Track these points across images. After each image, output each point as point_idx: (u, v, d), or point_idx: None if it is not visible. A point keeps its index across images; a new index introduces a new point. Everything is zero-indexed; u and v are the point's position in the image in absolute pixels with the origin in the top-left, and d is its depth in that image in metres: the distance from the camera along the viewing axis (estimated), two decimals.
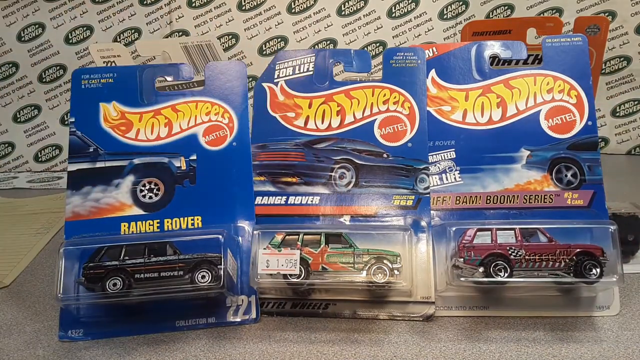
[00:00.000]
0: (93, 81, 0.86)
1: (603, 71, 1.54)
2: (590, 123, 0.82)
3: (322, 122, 0.86)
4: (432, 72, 0.86)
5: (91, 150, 0.83)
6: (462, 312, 0.77)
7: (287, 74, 0.89)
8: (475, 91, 0.85)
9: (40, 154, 1.62)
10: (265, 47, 1.56)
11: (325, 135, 0.86)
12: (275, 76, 0.89)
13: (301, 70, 0.89)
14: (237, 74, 0.87)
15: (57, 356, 0.72)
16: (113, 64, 0.98)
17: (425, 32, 1.53)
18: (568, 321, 0.75)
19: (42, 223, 1.20)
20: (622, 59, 1.54)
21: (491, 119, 0.84)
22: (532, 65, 0.88)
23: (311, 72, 0.88)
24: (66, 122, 0.84)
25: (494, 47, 0.86)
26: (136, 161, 0.84)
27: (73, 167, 0.83)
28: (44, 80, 1.60)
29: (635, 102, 1.56)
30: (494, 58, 0.88)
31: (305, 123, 0.87)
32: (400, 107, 0.85)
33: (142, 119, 0.85)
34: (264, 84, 0.89)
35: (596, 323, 0.74)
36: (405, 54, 0.87)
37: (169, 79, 0.87)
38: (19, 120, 1.61)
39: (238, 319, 0.77)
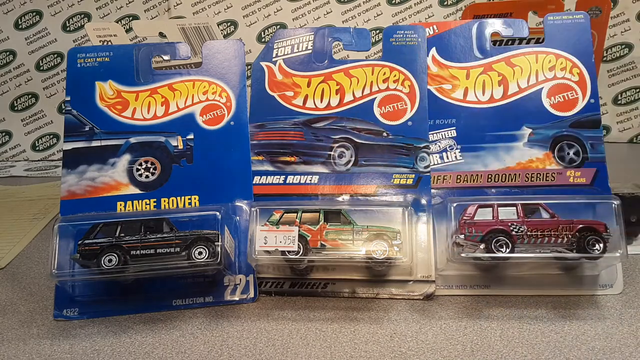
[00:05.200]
0: (89, 60, 0.85)
1: (604, 59, 1.53)
2: (592, 101, 0.81)
3: (321, 101, 0.85)
4: (433, 50, 0.85)
5: (87, 129, 0.82)
6: (462, 290, 0.76)
7: (286, 53, 0.88)
8: (477, 69, 0.84)
9: (38, 142, 1.61)
10: (264, 34, 1.55)
11: (324, 114, 0.85)
12: (274, 55, 0.88)
13: (300, 49, 0.87)
14: (234, 53, 0.86)
15: (51, 335, 0.71)
16: (109, 44, 0.96)
17: (426, 18, 1.51)
18: (571, 299, 0.74)
19: (39, 209, 1.19)
20: (623, 46, 1.53)
21: (492, 97, 0.83)
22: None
23: (310, 51, 0.87)
24: (64, 111, 0.83)
25: (495, 25, 0.85)
26: (132, 140, 0.82)
27: (68, 146, 0.82)
28: (42, 68, 1.58)
29: (637, 90, 1.55)
30: (496, 42, 0.87)
31: (304, 102, 0.85)
32: (400, 86, 0.84)
33: (139, 97, 0.84)
34: (262, 63, 0.88)
35: (599, 301, 0.73)
36: (406, 32, 0.86)
37: (165, 57, 0.86)
38: (16, 108, 1.60)
39: (236, 298, 0.76)
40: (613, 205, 0.72)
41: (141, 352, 0.67)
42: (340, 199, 0.81)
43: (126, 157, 0.82)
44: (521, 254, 0.71)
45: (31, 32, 1.57)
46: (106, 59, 0.85)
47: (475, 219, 0.73)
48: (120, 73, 0.84)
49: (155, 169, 0.81)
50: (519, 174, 0.80)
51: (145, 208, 0.79)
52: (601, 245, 0.70)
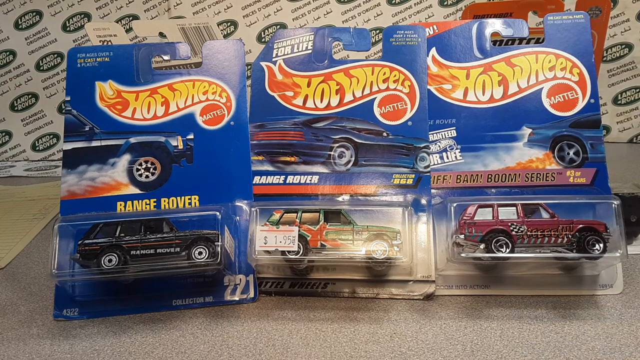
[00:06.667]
0: (89, 60, 0.85)
1: (604, 59, 1.53)
2: (592, 101, 0.81)
3: (321, 101, 0.85)
4: (433, 50, 0.85)
5: (87, 129, 0.82)
6: (462, 290, 0.76)
7: (286, 53, 0.88)
8: (477, 69, 0.84)
9: (38, 142, 1.61)
10: (264, 34, 1.55)
11: (324, 114, 0.85)
12: (274, 55, 0.88)
13: (300, 49, 0.87)
14: (234, 53, 0.86)
15: (51, 335, 0.71)
16: (109, 44, 0.96)
17: (426, 18, 1.51)
18: (570, 299, 0.74)
19: (38, 209, 1.19)
20: (623, 46, 1.53)
21: (492, 97, 0.83)
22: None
23: (310, 51, 0.87)
24: (64, 111, 0.83)
25: (495, 25, 0.85)
26: (132, 140, 0.82)
27: (68, 146, 0.82)
28: (42, 68, 1.58)
29: (637, 90, 1.55)
30: (496, 42, 0.87)
31: (304, 102, 0.85)
32: (400, 86, 0.84)
33: (139, 97, 0.84)
34: (262, 63, 0.88)
35: (599, 301, 0.73)
36: (406, 32, 0.86)
37: (165, 57, 0.86)
38: (16, 108, 1.60)
39: (236, 298, 0.76)
40: (613, 205, 0.72)
41: (141, 352, 0.67)
42: (340, 199, 0.81)
43: (126, 157, 0.82)
44: (521, 254, 0.71)
45: (31, 32, 1.57)
46: (106, 59, 0.85)
47: (475, 219, 0.73)
48: (120, 73, 0.84)
49: (155, 169, 0.81)
50: (519, 174, 0.80)
51: (145, 208, 0.79)
52: (601, 245, 0.70)
